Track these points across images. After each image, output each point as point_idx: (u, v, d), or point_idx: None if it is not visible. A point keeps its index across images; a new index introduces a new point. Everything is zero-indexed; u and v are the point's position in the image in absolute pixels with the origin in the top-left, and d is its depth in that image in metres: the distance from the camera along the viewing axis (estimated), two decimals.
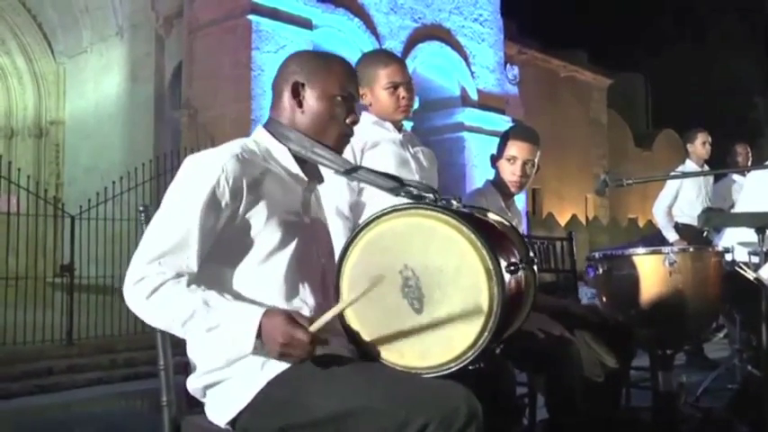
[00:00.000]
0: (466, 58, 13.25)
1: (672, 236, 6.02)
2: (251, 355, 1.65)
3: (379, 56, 2.96)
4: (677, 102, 28.50)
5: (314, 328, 1.58)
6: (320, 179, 1.92)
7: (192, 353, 1.80)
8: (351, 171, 1.84)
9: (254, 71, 9.73)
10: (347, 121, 1.85)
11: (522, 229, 3.39)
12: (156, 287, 1.64)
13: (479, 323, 1.59)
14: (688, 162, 6.22)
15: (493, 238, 1.66)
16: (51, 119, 13.67)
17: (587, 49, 23.52)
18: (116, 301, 8.65)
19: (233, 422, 1.71)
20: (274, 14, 10.04)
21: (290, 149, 1.82)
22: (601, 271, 3.16)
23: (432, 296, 1.62)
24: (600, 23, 31.05)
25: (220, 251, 1.72)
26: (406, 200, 1.81)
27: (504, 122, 12.92)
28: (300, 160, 1.83)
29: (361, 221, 1.83)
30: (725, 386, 4.25)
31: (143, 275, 1.65)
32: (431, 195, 1.77)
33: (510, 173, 2.96)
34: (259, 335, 1.59)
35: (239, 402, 1.69)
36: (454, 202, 1.76)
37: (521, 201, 13.21)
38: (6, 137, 13.63)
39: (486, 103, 13.45)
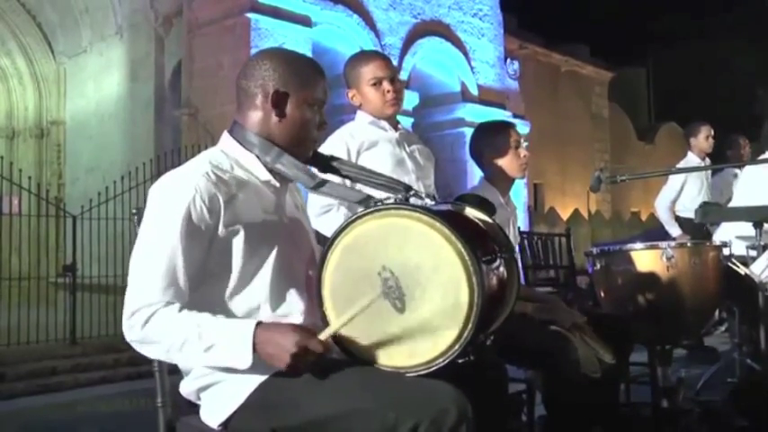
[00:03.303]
0: (466, 54, 13.23)
1: (675, 231, 5.93)
2: None
3: (361, 55, 2.97)
4: (679, 95, 28.44)
5: (323, 336, 1.61)
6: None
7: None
8: (318, 186, 1.82)
9: None
10: (318, 128, 1.85)
11: (522, 223, 3.40)
12: (148, 317, 1.63)
13: (462, 316, 1.59)
14: (690, 156, 6.11)
15: (468, 232, 1.66)
16: (52, 119, 13.67)
17: (589, 43, 23.44)
18: (119, 300, 8.57)
19: (225, 423, 1.72)
20: (273, 12, 10.05)
21: (258, 157, 1.80)
22: (599, 266, 3.17)
23: (413, 295, 1.62)
24: (601, 17, 31.02)
25: (207, 270, 1.71)
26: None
27: (504, 118, 12.89)
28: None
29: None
30: (724, 380, 4.24)
31: (135, 309, 1.65)
32: (400, 195, 1.76)
33: (519, 157, 2.98)
34: (254, 347, 1.60)
35: (232, 404, 1.70)
36: (428, 200, 1.77)
37: (522, 195, 13.21)
38: (8, 138, 13.63)
39: (487, 98, 13.43)
